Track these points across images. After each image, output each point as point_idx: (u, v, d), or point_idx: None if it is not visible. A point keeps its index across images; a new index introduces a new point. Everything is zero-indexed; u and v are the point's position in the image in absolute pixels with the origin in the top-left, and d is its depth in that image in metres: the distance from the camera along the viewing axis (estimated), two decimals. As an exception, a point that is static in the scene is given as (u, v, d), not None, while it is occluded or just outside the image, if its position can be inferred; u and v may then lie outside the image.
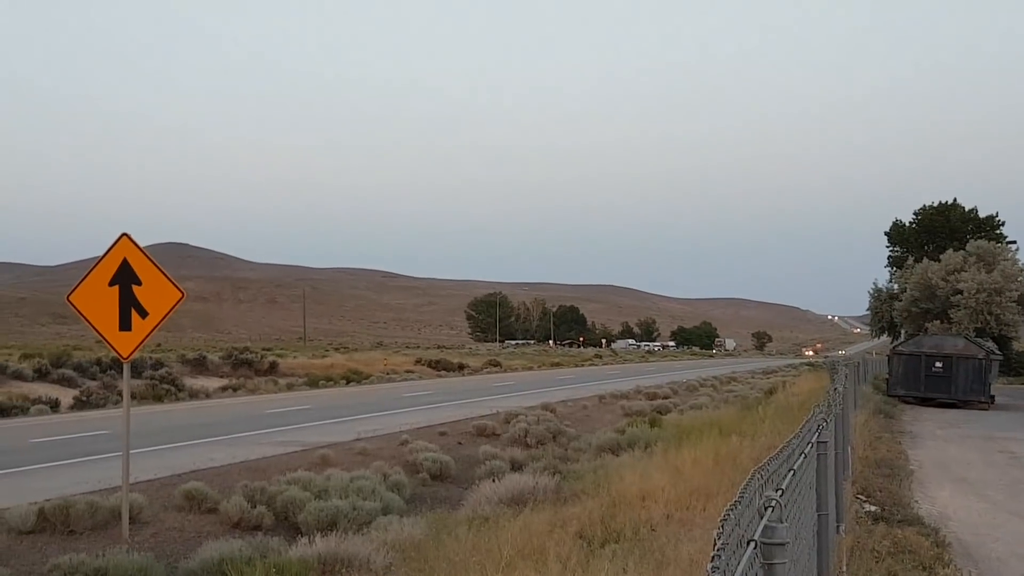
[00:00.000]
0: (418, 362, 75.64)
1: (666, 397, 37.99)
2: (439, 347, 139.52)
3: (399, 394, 42.22)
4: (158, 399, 37.79)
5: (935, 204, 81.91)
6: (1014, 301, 60.92)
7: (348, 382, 52.99)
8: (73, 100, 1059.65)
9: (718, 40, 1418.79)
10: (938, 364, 39.22)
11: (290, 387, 47.97)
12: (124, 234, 12.69)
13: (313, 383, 50.65)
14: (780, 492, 3.66)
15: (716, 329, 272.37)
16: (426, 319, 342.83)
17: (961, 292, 60.81)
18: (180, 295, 12.87)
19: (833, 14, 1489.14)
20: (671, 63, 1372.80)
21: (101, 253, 12.75)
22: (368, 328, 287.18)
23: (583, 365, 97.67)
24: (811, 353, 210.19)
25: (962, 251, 65.52)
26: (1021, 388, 57.71)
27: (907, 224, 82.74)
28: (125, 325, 12.54)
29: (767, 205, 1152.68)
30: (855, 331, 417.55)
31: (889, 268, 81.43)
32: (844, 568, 9.24)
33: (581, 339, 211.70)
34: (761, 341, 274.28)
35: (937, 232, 78.54)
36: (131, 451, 12.79)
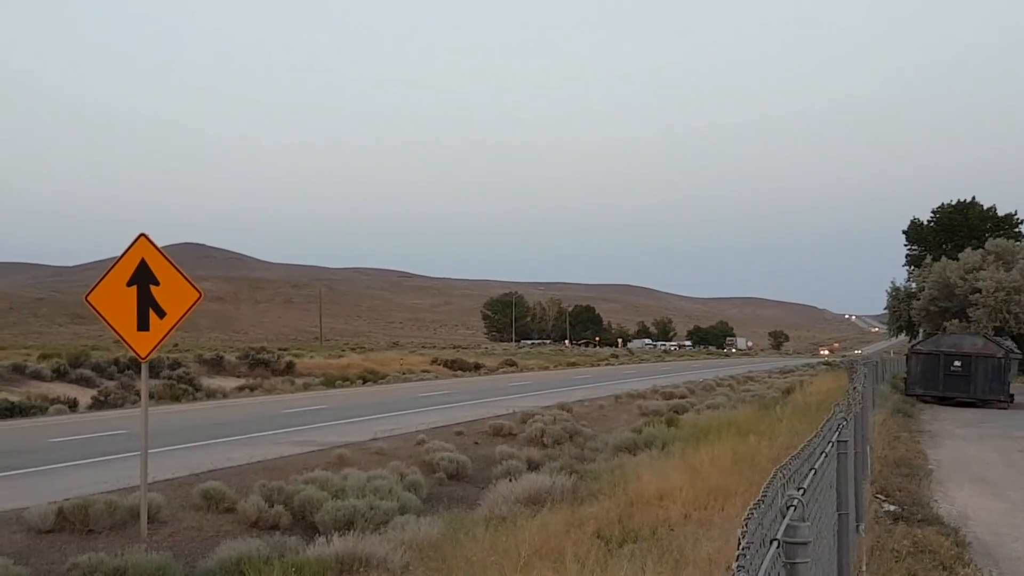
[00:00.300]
0: (434, 362, 75.73)
1: (683, 397, 37.90)
2: (455, 347, 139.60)
3: (415, 394, 42.24)
4: (175, 399, 37.92)
5: (953, 202, 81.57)
6: (1033, 300, 60.53)
7: (364, 382, 53.07)
8: (91, 102, 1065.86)
9: (733, 34, 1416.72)
10: (957, 363, 39.00)
11: (307, 387, 48.08)
12: (142, 234, 12.72)
13: (329, 383, 50.74)
14: (802, 491, 3.64)
15: (733, 329, 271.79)
16: (442, 319, 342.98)
17: (980, 291, 60.47)
18: (198, 295, 12.89)
19: (853, 5, 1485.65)
20: (686, 58, 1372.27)
21: (118, 254, 12.79)
22: (384, 328, 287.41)
23: (599, 365, 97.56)
24: (827, 352, 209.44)
25: (981, 249, 65.16)
26: (1040, 387, 57.35)
27: (925, 223, 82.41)
28: (143, 325, 12.58)
29: (784, 204, 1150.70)
30: (873, 330, 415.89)
31: (907, 267, 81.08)
32: (864, 568, 9.19)
33: (597, 339, 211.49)
34: (778, 340, 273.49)
35: (955, 230, 78.19)
36: (149, 451, 12.83)
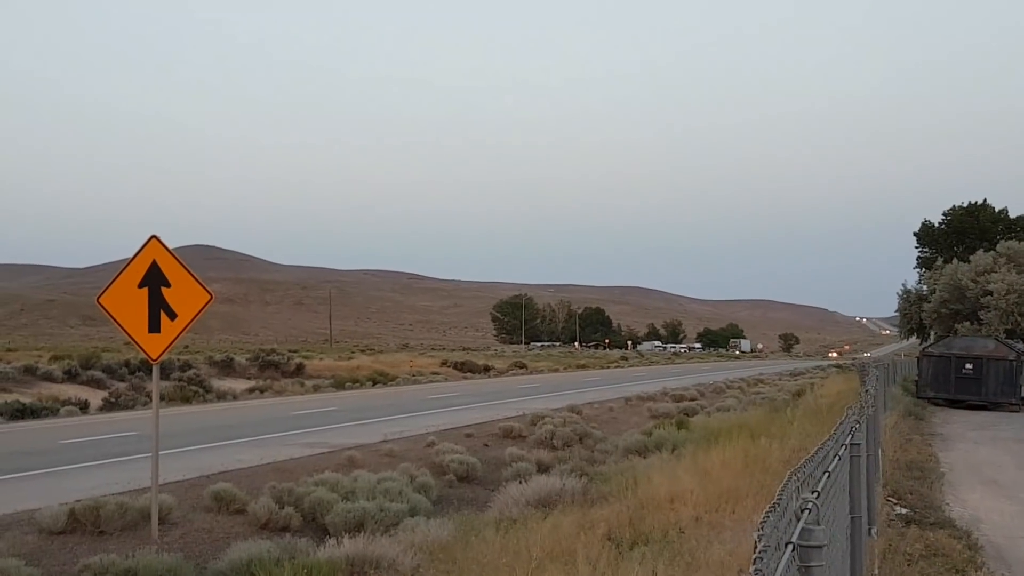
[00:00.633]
0: (444, 364, 75.77)
1: (693, 399, 37.84)
2: (465, 349, 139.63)
3: (425, 396, 42.27)
4: (186, 400, 38.00)
5: (965, 205, 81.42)
6: (1045, 302, 60.36)
7: (374, 384, 53.12)
8: (102, 105, 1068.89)
9: (740, 32, 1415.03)
10: (968, 366, 38.89)
11: (316, 389, 48.14)
12: (153, 236, 12.74)
13: (339, 385, 50.80)
14: (816, 494, 3.62)
15: (743, 331, 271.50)
16: (451, 321, 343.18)
17: (991, 293, 60.28)
18: (208, 297, 12.90)
19: (858, 4, 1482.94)
20: (691, 58, 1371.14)
21: (129, 255, 12.81)
22: (394, 330, 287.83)
23: (609, 367, 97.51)
24: (835, 355, 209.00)
25: (992, 252, 64.99)
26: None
27: (936, 225, 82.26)
28: (154, 327, 12.59)
29: (795, 206, 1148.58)
30: (884, 332, 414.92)
31: (918, 269, 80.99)
32: (876, 571, 9.16)
33: (607, 341, 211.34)
34: (788, 343, 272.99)
35: (967, 233, 78.03)
36: (160, 452, 12.84)
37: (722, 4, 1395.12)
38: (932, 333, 68.01)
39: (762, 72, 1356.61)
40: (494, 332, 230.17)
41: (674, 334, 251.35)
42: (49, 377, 42.44)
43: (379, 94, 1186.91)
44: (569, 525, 10.03)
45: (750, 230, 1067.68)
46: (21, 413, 31.11)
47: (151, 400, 13.00)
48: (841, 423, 6.85)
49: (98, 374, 43.93)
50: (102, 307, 12.81)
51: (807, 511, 3.37)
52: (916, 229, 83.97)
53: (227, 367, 55.03)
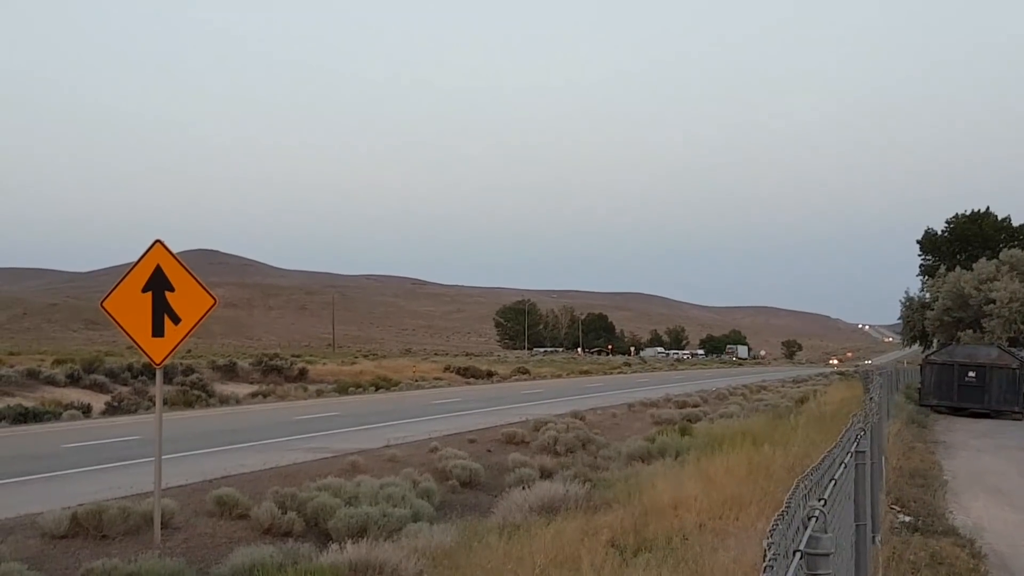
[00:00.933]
0: (447, 369, 75.77)
1: (696, 406, 37.80)
2: (468, 354, 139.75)
3: (428, 401, 42.28)
4: (189, 405, 38.01)
5: (968, 213, 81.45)
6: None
7: (377, 389, 53.10)
8: (105, 108, 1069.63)
9: (739, 38, 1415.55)
10: (971, 374, 38.87)
11: (319, 394, 48.15)
12: (157, 240, 12.74)
13: (342, 390, 50.81)
14: (823, 502, 3.61)
15: (746, 337, 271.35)
16: (455, 326, 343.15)
17: (994, 301, 60.27)
18: (212, 301, 12.91)
19: (863, 9, 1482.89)
20: (694, 62, 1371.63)
21: (132, 260, 12.81)
22: (397, 335, 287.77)
23: (612, 373, 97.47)
24: (836, 362, 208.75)
25: (995, 260, 64.99)
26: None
27: (939, 233, 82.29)
28: (158, 331, 12.59)
29: (798, 213, 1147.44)
30: (886, 340, 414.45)
31: (921, 277, 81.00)
32: (880, 579, 9.14)
33: (610, 347, 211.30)
34: (791, 350, 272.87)
35: (970, 241, 78.03)
36: (163, 456, 12.84)
37: (725, 7, 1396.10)
38: (935, 341, 67.98)
39: (765, 78, 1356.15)
40: (497, 338, 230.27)
41: (677, 340, 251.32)
42: (52, 381, 42.45)
43: (383, 98, 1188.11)
44: (573, 531, 10.01)
45: (753, 237, 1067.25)
46: (24, 417, 31.14)
47: (154, 404, 13.01)
48: (846, 431, 6.84)
49: (101, 378, 43.92)
50: (106, 311, 12.82)
51: (814, 519, 3.37)
52: (919, 237, 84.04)
53: (230, 372, 55.03)
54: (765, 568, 2.41)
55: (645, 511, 11.50)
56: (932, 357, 42.55)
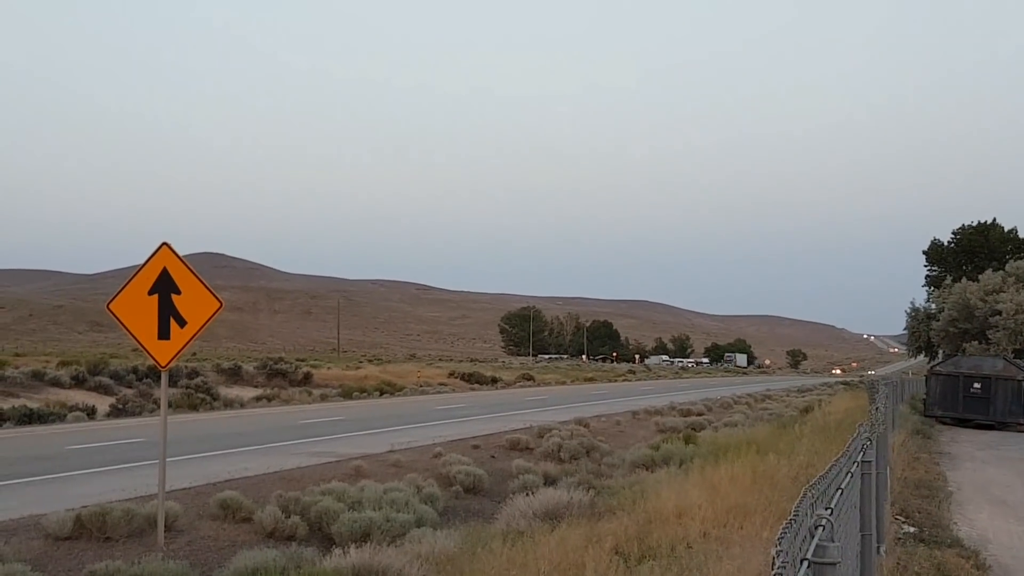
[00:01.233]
0: (451, 375, 75.71)
1: (700, 414, 37.77)
2: (472, 360, 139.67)
3: (432, 406, 42.26)
4: (193, 408, 38.03)
5: (974, 224, 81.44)
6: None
7: (382, 394, 53.11)
8: (112, 111, 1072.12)
9: (745, 46, 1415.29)
10: (976, 385, 38.78)
11: (324, 398, 48.12)
12: (164, 243, 12.75)
13: (347, 394, 50.81)
14: (830, 511, 3.60)
15: (751, 346, 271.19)
16: (460, 332, 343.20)
17: (1000, 313, 60.18)
18: (218, 305, 12.91)
19: (870, 20, 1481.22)
20: (701, 68, 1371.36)
21: (139, 262, 12.81)
22: (402, 340, 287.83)
23: (616, 380, 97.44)
24: (839, 372, 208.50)
25: (1001, 271, 64.90)
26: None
27: (945, 244, 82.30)
28: (164, 334, 12.59)
29: (804, 222, 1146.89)
30: (892, 350, 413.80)
31: (927, 288, 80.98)
32: (884, 590, 9.12)
33: (614, 354, 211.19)
34: (796, 359, 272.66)
35: (976, 252, 78.00)
36: (167, 459, 12.84)
37: (733, 16, 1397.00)
38: (940, 352, 67.86)
39: (771, 87, 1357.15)
40: (502, 344, 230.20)
41: (682, 349, 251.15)
42: (57, 383, 42.49)
43: (390, 103, 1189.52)
44: (577, 538, 9.99)
45: (759, 246, 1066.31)
46: (28, 418, 31.19)
47: (158, 407, 13.04)
48: (853, 440, 6.82)
49: (106, 380, 43.96)
50: (112, 313, 12.83)
51: (821, 527, 3.36)
52: (925, 247, 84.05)
53: (235, 375, 55.08)
54: (774, 576, 2.40)
55: (649, 519, 11.48)
56: (937, 368, 42.46)
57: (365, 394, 51.84)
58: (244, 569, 10.52)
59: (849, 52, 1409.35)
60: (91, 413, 33.96)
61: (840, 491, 4.46)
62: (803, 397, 54.56)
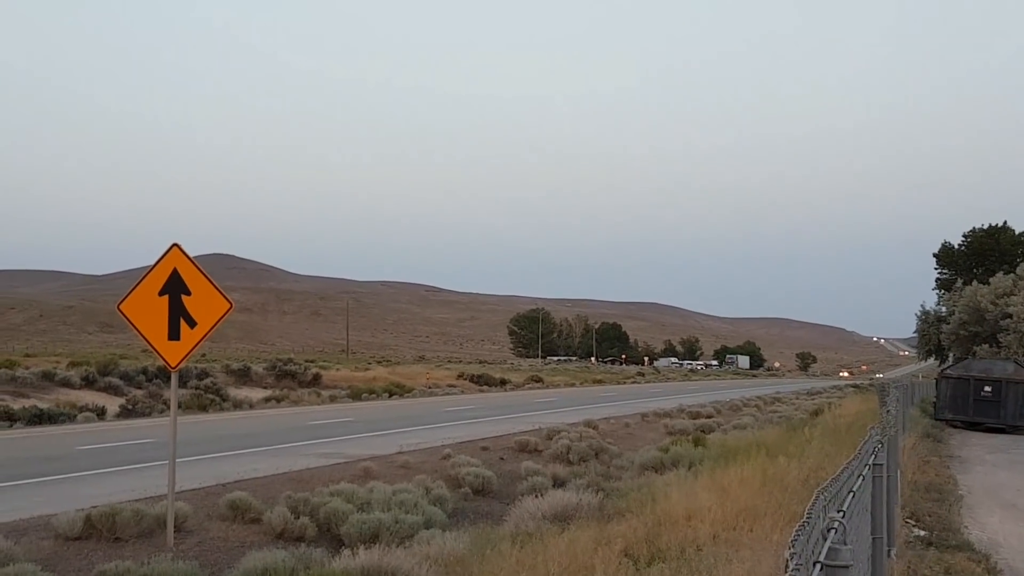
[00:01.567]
0: (460, 376, 75.77)
1: (709, 416, 37.72)
2: (481, 362, 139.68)
3: (441, 408, 42.29)
4: (202, 408, 38.10)
5: (985, 227, 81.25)
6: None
7: (390, 395, 53.13)
8: (122, 113, 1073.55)
9: (756, 47, 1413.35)
10: (987, 388, 38.65)
11: (333, 399, 48.18)
12: (175, 244, 12.77)
13: (356, 395, 50.85)
14: (842, 514, 3.59)
15: (760, 349, 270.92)
16: (468, 334, 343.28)
17: (1011, 316, 59.95)
18: (228, 306, 12.93)
19: (880, 22, 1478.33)
20: (708, 68, 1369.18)
21: (148, 263, 12.84)
22: (410, 342, 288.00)
23: (625, 383, 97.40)
24: (847, 374, 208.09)
25: (1012, 274, 64.66)
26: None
27: (956, 246, 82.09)
28: (174, 335, 12.62)
29: (814, 225, 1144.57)
30: (902, 353, 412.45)
31: (937, 291, 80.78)
32: (895, 593, 9.09)
33: (623, 356, 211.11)
34: (805, 362, 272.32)
35: (987, 255, 77.77)
36: (176, 460, 12.86)
37: (741, 17, 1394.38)
38: (951, 355, 67.69)
39: (781, 88, 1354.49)
40: (511, 346, 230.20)
41: (691, 351, 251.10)
42: (67, 383, 42.62)
43: (398, 105, 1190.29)
44: (586, 540, 9.97)
45: (768, 248, 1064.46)
46: (39, 419, 31.27)
47: (168, 407, 13.06)
48: (864, 443, 6.80)
49: (115, 381, 44.09)
50: (122, 314, 12.85)
51: (833, 530, 3.34)
52: (936, 250, 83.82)
53: (244, 376, 55.19)
54: (787, 579, 2.39)
55: (658, 521, 11.45)
56: (948, 371, 42.34)
57: (374, 395, 51.88)
58: (253, 570, 10.52)
59: (858, 52, 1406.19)
60: (101, 414, 34.04)
61: (852, 494, 4.44)
62: (813, 400, 54.47)
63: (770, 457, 15.82)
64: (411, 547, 11.20)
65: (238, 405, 41.32)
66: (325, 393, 50.91)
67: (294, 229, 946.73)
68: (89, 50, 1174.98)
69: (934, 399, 42.65)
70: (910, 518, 14.67)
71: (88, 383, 43.29)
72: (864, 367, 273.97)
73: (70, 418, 32.42)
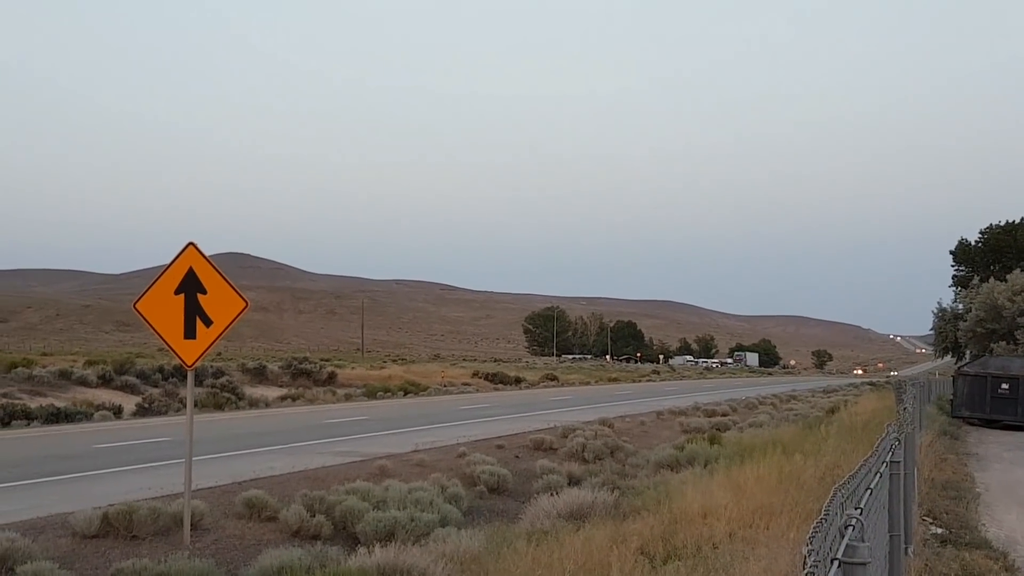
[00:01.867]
0: (475, 375, 75.81)
1: (725, 415, 37.65)
2: (496, 360, 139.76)
3: (456, 406, 42.31)
4: (219, 407, 38.21)
5: (1002, 223, 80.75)
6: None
7: (405, 394, 53.21)
8: (138, 114, 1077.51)
9: (768, 42, 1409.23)
10: (1004, 386, 38.45)
11: (348, 398, 48.27)
12: (191, 243, 12.79)
13: (371, 394, 50.94)
14: (859, 511, 3.57)
15: (775, 347, 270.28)
16: (483, 332, 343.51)
17: (1028, 313, 59.62)
18: (244, 304, 12.94)
19: (897, 13, 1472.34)
20: (723, 66, 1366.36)
21: (165, 262, 12.86)
22: (425, 340, 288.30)
23: (640, 381, 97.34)
24: (861, 372, 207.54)
25: (1029, 271, 64.30)
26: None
27: (973, 243, 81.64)
28: (190, 333, 12.64)
29: (830, 222, 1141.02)
30: (918, 351, 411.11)
31: (954, 288, 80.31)
32: (912, 591, 9.04)
33: (638, 355, 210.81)
34: (821, 360, 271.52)
35: (1004, 251, 77.32)
36: (193, 458, 12.89)
37: (755, 12, 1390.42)
38: (967, 352, 67.34)
39: (794, 83, 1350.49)
40: (526, 344, 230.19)
41: (706, 349, 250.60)
42: (84, 382, 42.82)
43: (412, 105, 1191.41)
44: (602, 539, 9.96)
45: (784, 246, 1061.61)
46: (56, 417, 31.42)
47: (184, 406, 13.10)
48: (881, 440, 6.77)
49: (132, 379, 44.26)
50: (139, 312, 12.89)
51: (851, 527, 3.33)
52: (952, 247, 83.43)
53: (260, 375, 55.34)
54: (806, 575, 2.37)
55: (674, 519, 11.43)
56: (965, 369, 42.15)
57: (389, 394, 51.95)
58: (269, 568, 10.54)
59: (875, 49, 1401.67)
60: (117, 412, 34.17)
61: (869, 491, 4.43)
62: (829, 398, 54.32)
63: (786, 455, 15.78)
64: (427, 545, 11.20)
65: (254, 404, 41.43)
66: (340, 392, 51.00)
67: (309, 228, 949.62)
68: (103, 53, 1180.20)
69: (951, 397, 42.46)
70: (927, 516, 14.60)
71: (105, 382, 43.47)
72: (880, 364, 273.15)
73: (87, 417, 32.57)
